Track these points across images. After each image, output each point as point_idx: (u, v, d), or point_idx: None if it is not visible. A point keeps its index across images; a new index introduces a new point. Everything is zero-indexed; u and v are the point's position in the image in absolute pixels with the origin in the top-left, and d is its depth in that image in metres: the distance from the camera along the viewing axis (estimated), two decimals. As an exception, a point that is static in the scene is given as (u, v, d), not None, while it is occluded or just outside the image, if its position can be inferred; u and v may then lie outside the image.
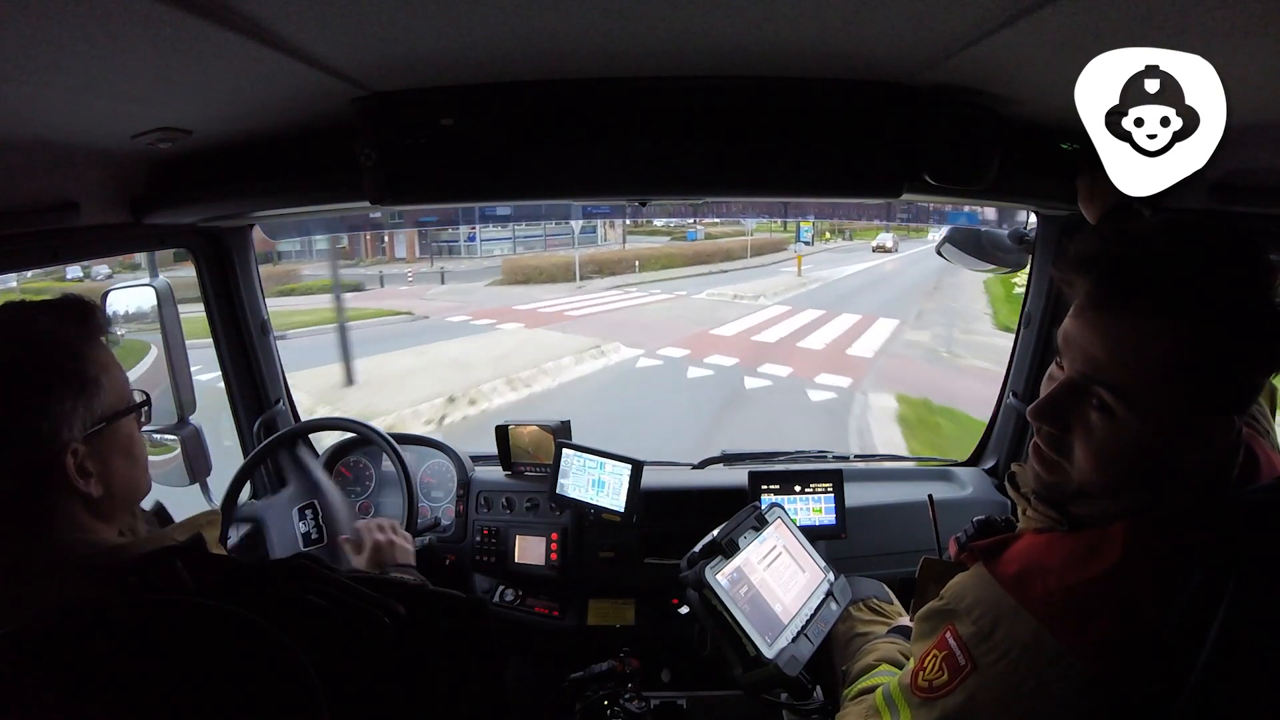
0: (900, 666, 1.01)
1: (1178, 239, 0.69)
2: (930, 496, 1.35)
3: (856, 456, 2.10)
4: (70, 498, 0.74)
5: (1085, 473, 0.72)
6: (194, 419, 1.61)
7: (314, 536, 1.67)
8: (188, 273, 1.88)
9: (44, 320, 0.75)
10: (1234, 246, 0.67)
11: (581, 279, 21.15)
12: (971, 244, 1.74)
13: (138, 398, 0.82)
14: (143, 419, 0.84)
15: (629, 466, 1.74)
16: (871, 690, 0.93)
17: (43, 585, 0.69)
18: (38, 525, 0.72)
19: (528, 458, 1.94)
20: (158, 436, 1.61)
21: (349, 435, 1.96)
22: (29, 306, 0.77)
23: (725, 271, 23.06)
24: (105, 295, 1.63)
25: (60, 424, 0.72)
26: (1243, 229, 0.68)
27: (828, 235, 34.17)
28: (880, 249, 28.56)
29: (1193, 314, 0.65)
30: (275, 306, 2.02)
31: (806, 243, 26.82)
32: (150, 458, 0.89)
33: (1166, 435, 0.68)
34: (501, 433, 1.95)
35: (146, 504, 0.87)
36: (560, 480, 1.80)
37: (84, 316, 0.78)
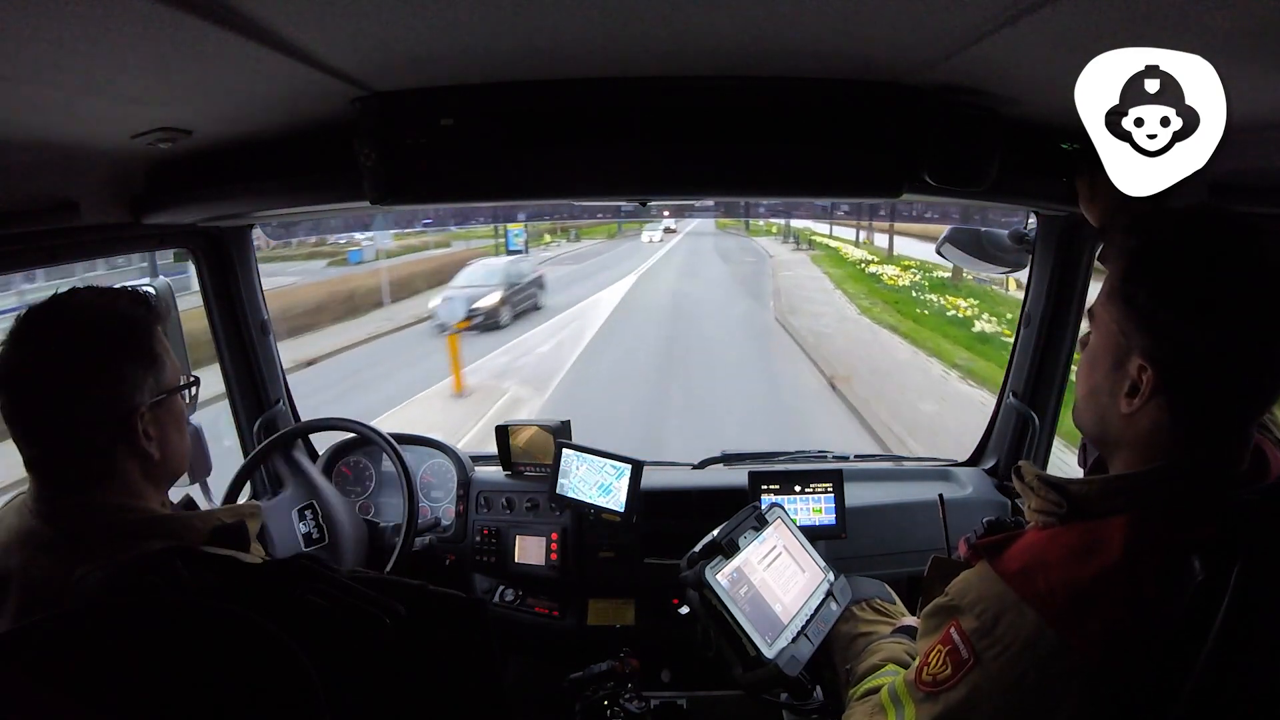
0: (906, 666, 1.01)
1: (1164, 211, 0.81)
2: (941, 496, 1.35)
3: (857, 456, 2.10)
4: (131, 458, 0.85)
5: (1078, 400, 0.84)
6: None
7: (315, 536, 1.67)
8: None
9: (122, 301, 0.88)
10: (1202, 219, 0.76)
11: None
12: (972, 244, 1.74)
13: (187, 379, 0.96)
14: (190, 397, 0.97)
15: (629, 467, 1.74)
16: (877, 690, 0.93)
17: (99, 544, 0.80)
18: (98, 485, 0.83)
19: (528, 458, 1.94)
20: None
21: (349, 435, 1.96)
22: (109, 290, 0.90)
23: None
24: None
25: (134, 389, 0.85)
26: (1236, 219, 0.74)
27: (547, 238, 28.22)
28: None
29: (1134, 249, 0.77)
30: None
31: (519, 250, 18.45)
32: None
33: (1105, 347, 0.78)
34: (501, 433, 1.95)
35: (175, 496, 0.98)
36: (560, 480, 1.80)
37: (150, 303, 0.91)
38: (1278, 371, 0.72)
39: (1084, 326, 0.86)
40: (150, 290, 0.97)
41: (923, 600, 1.01)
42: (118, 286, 0.92)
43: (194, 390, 0.98)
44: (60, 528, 0.82)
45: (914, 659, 0.90)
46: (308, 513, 1.71)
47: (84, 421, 0.83)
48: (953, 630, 0.77)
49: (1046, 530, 0.78)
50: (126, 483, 0.86)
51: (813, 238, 25.55)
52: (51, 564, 0.79)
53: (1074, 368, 1.41)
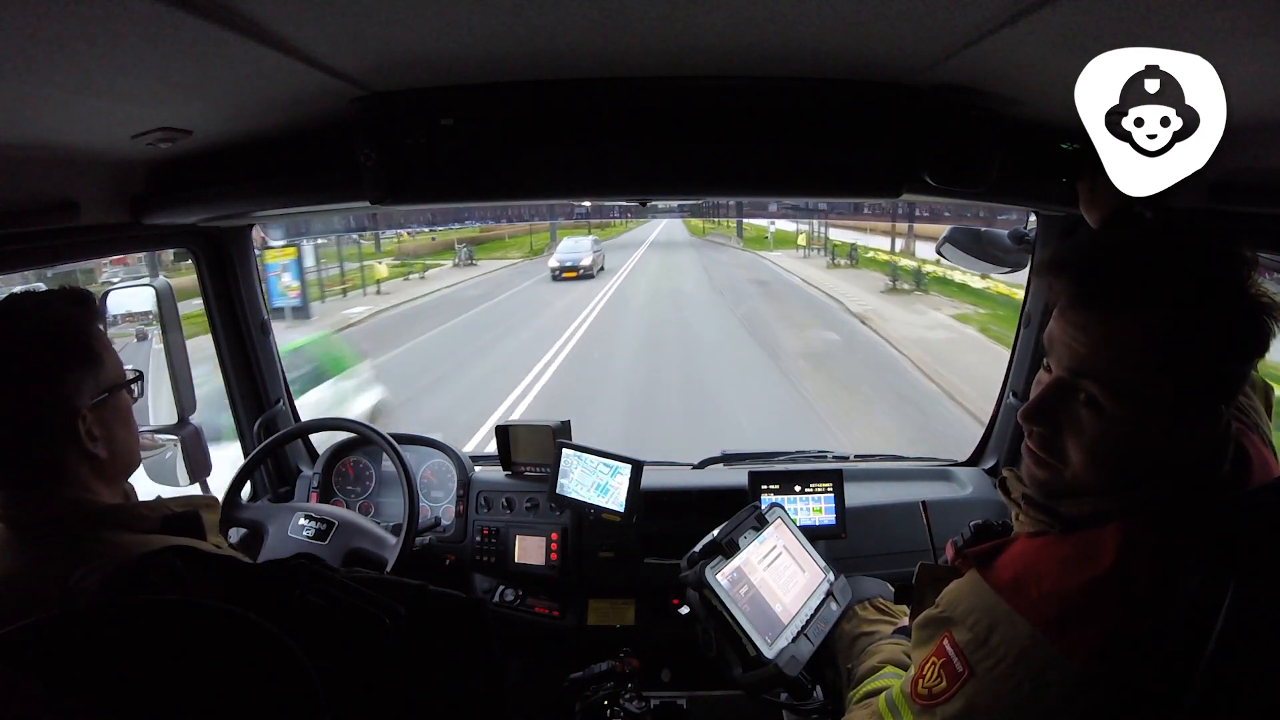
0: (904, 668, 1.01)
1: (1149, 236, 0.73)
2: (924, 504, 1.35)
3: (857, 456, 2.10)
4: (80, 459, 0.85)
5: (1079, 471, 0.73)
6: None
7: (322, 530, 1.67)
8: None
9: (57, 304, 0.87)
10: (1204, 240, 0.69)
11: None
12: (972, 244, 1.74)
13: (130, 374, 0.94)
14: (135, 394, 0.96)
15: (629, 467, 1.74)
16: (877, 694, 0.93)
17: (54, 537, 0.81)
18: (50, 483, 0.84)
19: (528, 458, 1.94)
20: (159, 437, 1.61)
21: (349, 435, 1.96)
22: (43, 294, 0.90)
23: None
24: (105, 295, 1.63)
25: (73, 391, 0.85)
26: (1220, 227, 0.71)
27: (381, 271, 15.91)
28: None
29: (1162, 303, 0.67)
30: None
31: (290, 308, 10.63)
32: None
33: (1156, 425, 0.69)
34: (502, 433, 1.95)
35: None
36: (560, 480, 1.80)
37: (86, 301, 0.90)
38: (1206, 367, 0.69)
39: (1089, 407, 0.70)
40: (85, 287, 0.96)
41: (913, 607, 1.01)
42: (56, 288, 0.91)
43: (139, 385, 0.97)
44: (16, 526, 0.83)
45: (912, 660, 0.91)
46: (312, 514, 1.71)
47: (27, 429, 0.83)
48: (946, 642, 0.77)
49: (1038, 539, 0.78)
50: (77, 481, 0.86)
51: (910, 265, 14.43)
52: (12, 562, 0.81)
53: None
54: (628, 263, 17.04)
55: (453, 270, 18.10)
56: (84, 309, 0.89)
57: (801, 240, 18.40)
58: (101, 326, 0.92)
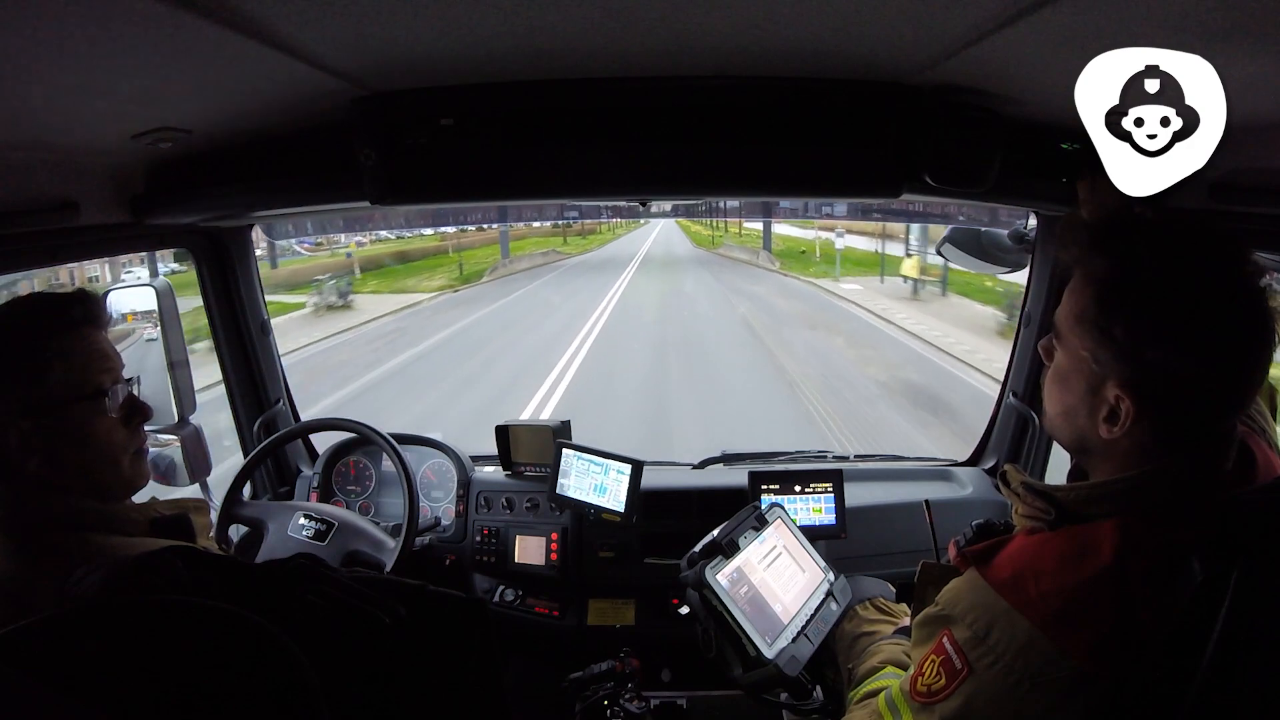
0: (905, 667, 1.01)
1: (1121, 222, 0.80)
2: (927, 502, 1.35)
3: (857, 456, 2.10)
4: (20, 470, 0.83)
5: (1046, 406, 0.84)
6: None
7: (322, 530, 1.67)
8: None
9: (13, 312, 0.84)
10: (1170, 233, 0.75)
11: None
12: (972, 244, 1.74)
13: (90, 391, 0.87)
14: (108, 411, 0.88)
15: (629, 466, 1.74)
16: (877, 694, 0.93)
17: (40, 540, 0.81)
18: (23, 486, 0.82)
19: (528, 458, 1.94)
20: (161, 436, 1.61)
21: (349, 435, 1.96)
22: (16, 299, 0.86)
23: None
24: (105, 295, 1.63)
25: (4, 403, 0.82)
26: (1225, 234, 0.74)
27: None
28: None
29: (1106, 276, 0.75)
30: None
31: None
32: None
33: (1077, 371, 0.76)
34: (502, 433, 1.95)
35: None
36: (560, 480, 1.80)
37: (60, 308, 0.85)
38: (1255, 377, 0.72)
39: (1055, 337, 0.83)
40: (84, 290, 0.92)
41: (914, 605, 1.01)
42: (61, 291, 0.88)
43: (103, 401, 0.88)
44: (7, 530, 0.83)
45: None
46: (312, 513, 1.71)
47: None
48: (945, 640, 0.77)
49: (1036, 535, 0.78)
50: (30, 492, 0.84)
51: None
52: (2, 566, 0.81)
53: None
54: (576, 341, 9.24)
55: (300, 320, 10.10)
56: (52, 316, 0.85)
57: (910, 268, 10.84)
58: (79, 336, 0.86)
